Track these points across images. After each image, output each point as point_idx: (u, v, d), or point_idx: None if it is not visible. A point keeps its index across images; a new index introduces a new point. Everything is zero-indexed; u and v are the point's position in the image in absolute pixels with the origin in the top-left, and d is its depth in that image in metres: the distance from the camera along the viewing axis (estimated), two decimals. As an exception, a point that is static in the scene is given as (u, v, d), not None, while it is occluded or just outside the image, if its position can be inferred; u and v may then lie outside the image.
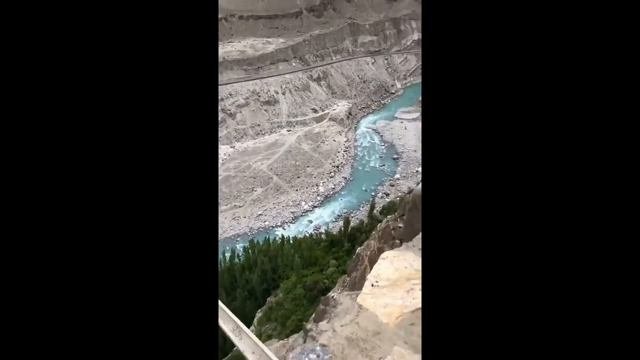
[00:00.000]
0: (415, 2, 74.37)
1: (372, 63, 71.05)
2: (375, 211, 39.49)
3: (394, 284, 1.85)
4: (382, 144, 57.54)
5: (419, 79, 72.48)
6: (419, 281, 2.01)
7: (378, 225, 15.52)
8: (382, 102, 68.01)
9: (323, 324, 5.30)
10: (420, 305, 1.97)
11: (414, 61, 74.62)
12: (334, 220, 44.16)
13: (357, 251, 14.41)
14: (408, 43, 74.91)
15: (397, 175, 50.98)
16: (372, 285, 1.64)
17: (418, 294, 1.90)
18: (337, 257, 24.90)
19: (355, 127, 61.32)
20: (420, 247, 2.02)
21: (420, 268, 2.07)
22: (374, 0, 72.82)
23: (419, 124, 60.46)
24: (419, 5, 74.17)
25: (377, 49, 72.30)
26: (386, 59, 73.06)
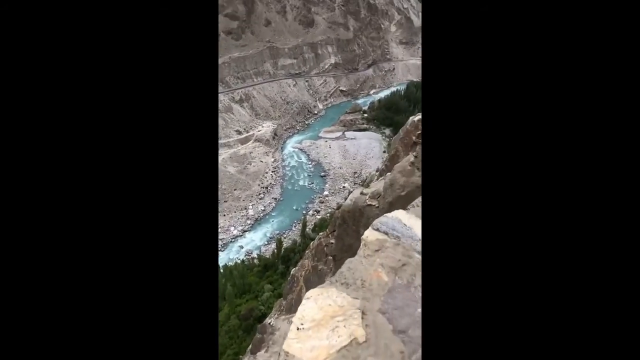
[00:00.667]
0: (329, 29, 79.22)
1: (294, 85, 73.01)
2: (307, 229, 39.71)
3: (318, 324, 1.77)
4: (309, 162, 58.80)
5: (339, 100, 76.65)
6: (343, 317, 1.90)
7: (311, 244, 15.57)
8: (306, 122, 69.91)
9: (261, 354, 4.98)
10: (345, 343, 1.85)
11: (332, 83, 78.74)
12: (266, 243, 43.19)
13: (291, 272, 14.19)
14: (326, 66, 78.96)
15: (326, 192, 52.35)
16: (298, 329, 1.59)
17: (343, 330, 1.80)
18: (272, 281, 24.21)
19: (282, 147, 61.70)
20: (342, 281, 1.98)
21: (344, 304, 1.96)
22: (291, 26, 75.64)
23: (341, 142, 63.47)
24: (334, 32, 79.34)
25: (297, 72, 74.64)
26: (307, 81, 75.80)
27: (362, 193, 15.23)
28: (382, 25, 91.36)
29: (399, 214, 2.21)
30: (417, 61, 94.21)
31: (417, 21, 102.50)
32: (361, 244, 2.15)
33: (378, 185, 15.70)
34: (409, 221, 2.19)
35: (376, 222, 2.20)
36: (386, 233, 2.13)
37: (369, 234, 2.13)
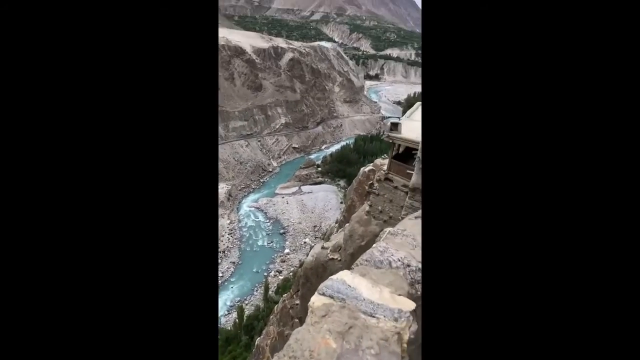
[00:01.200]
0: (277, 92, 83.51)
1: (246, 145, 73.91)
2: (270, 292, 37.56)
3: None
4: (267, 220, 57.61)
5: (292, 157, 78.50)
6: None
7: (275, 307, 14.63)
8: (261, 180, 69.87)
9: None
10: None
11: (284, 141, 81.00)
12: (226, 312, 39.85)
13: (256, 342, 13.04)
14: (277, 126, 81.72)
15: (287, 250, 50.88)
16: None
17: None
18: (235, 356, 21.91)
19: (237, 208, 60.20)
20: (290, 355, 1.85)
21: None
22: (240, 91, 78.79)
23: (298, 197, 63.77)
24: (282, 95, 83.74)
25: (249, 133, 76.15)
26: (259, 140, 77.28)
27: (323, 247, 14.93)
28: (327, 87, 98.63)
29: (343, 275, 2.14)
30: (362, 117, 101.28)
31: (357, 82, 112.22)
32: (308, 311, 2.04)
33: (338, 238, 15.59)
34: (353, 281, 2.14)
35: (321, 287, 2.12)
36: (331, 297, 2.07)
37: (315, 300, 2.08)
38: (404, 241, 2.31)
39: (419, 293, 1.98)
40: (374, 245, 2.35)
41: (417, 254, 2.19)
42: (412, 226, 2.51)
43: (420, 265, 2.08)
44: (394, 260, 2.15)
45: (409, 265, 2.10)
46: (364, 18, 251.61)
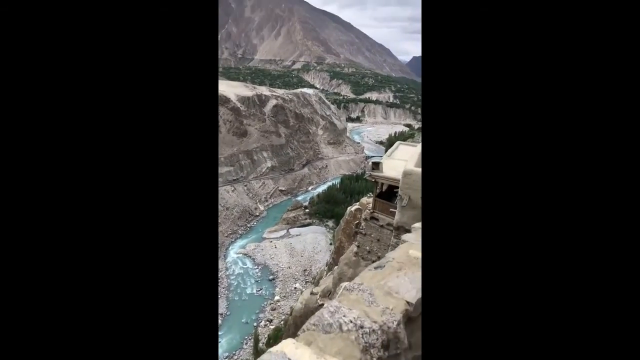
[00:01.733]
0: (263, 137, 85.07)
1: (232, 191, 73.51)
2: (260, 344, 35.34)
3: None
4: (256, 267, 55.80)
5: (279, 199, 78.21)
6: None
7: (264, 362, 13.66)
8: (248, 225, 68.70)
9: None
10: None
11: (271, 185, 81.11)
12: (214, 370, 36.82)
13: (245, 404, 11.94)
14: (263, 170, 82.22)
15: (277, 297, 48.82)
16: None
17: None
18: (223, 421, 19.93)
19: (224, 256, 58.37)
20: None
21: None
22: (225, 138, 79.95)
23: (287, 241, 62.53)
24: (267, 139, 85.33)
25: (235, 178, 76.16)
26: (245, 185, 77.15)
27: (312, 293, 14.47)
28: (311, 130, 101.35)
29: (285, 345, 1.89)
30: (346, 157, 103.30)
31: (340, 124, 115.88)
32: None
33: (328, 281, 15.20)
34: (295, 353, 1.89)
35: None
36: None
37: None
38: (359, 297, 2.08)
39: (375, 359, 1.77)
40: (325, 304, 2.10)
41: (373, 311, 1.97)
42: (370, 278, 2.29)
43: (374, 327, 1.87)
44: (345, 322, 1.89)
45: (362, 327, 1.84)
46: (343, 65, 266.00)
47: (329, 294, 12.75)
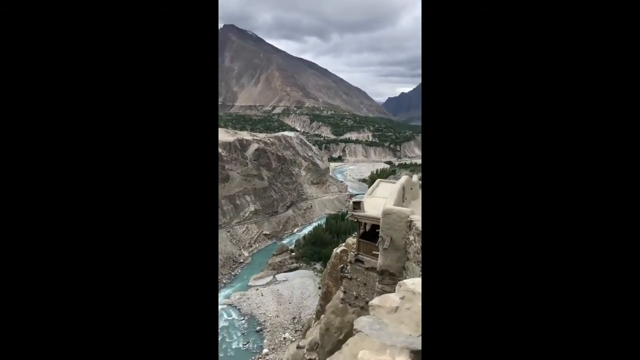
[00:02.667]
0: (245, 181, 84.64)
1: (215, 237, 71.27)
2: (248, 407, 32.23)
3: None
4: (242, 318, 52.70)
5: (264, 244, 76.15)
6: None
7: None
8: (232, 273, 65.93)
9: None
10: None
11: (255, 229, 79.34)
12: None
13: None
14: (246, 214, 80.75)
15: (265, 350, 45.67)
16: None
17: None
18: None
19: (207, 308, 54.89)
20: None
21: None
22: (207, 183, 79.11)
23: (274, 287, 59.97)
24: (250, 183, 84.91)
25: (218, 224, 74.23)
26: (228, 231, 75.14)
27: (298, 347, 13.38)
28: (293, 172, 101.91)
29: None
30: (330, 196, 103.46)
31: (322, 164, 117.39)
32: None
33: (315, 332, 14.13)
34: None
35: None
36: None
37: None
38: None
39: None
40: None
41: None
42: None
43: None
44: None
45: None
46: (322, 108, 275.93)
47: (316, 347, 11.76)
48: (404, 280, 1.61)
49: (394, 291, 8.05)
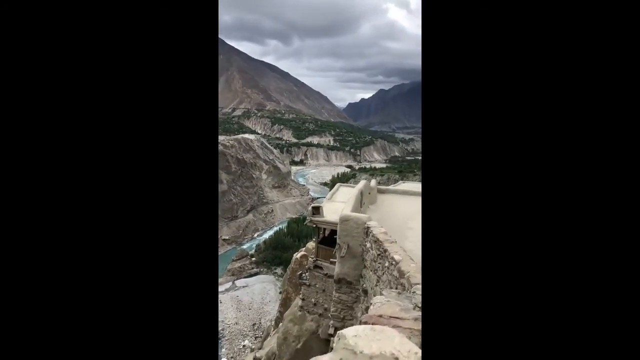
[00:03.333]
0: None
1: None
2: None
3: None
4: (198, 328, 50.29)
5: (223, 249, 73.74)
6: None
7: None
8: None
9: None
10: None
11: (214, 234, 76.58)
12: None
13: None
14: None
15: (224, 359, 44.04)
16: None
17: None
18: None
19: (161, 319, 52.00)
20: None
21: None
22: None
23: (233, 294, 58.22)
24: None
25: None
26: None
27: (255, 359, 12.87)
28: (254, 175, 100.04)
29: None
30: (292, 200, 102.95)
31: (284, 168, 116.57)
32: None
33: (273, 342, 13.72)
34: None
35: None
36: None
37: None
38: None
39: None
40: None
41: None
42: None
43: None
44: None
45: None
46: (284, 112, 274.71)
47: (273, 358, 11.43)
48: (344, 331, 1.18)
49: (350, 300, 7.97)
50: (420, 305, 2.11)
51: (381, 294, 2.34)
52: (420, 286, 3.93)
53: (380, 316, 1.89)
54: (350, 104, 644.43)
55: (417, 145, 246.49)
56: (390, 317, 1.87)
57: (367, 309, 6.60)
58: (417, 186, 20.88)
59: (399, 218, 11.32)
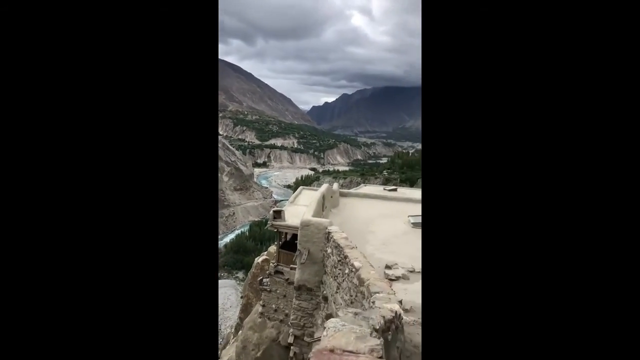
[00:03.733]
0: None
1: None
2: None
3: None
4: (152, 338, 47.55)
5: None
6: None
7: None
8: (143, 289, 59.58)
9: None
10: None
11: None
12: None
13: None
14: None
15: (180, 371, 41.93)
16: None
17: None
18: None
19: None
20: None
21: None
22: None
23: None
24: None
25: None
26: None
27: (211, 370, 12.16)
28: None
29: None
30: (254, 203, 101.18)
31: (246, 170, 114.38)
32: None
33: (231, 351, 13.23)
34: None
35: None
36: None
37: None
38: None
39: None
40: None
41: None
42: None
43: None
44: None
45: None
46: (246, 113, 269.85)
47: (232, 368, 11.01)
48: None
49: (311, 307, 7.84)
50: (377, 327, 2.01)
51: (337, 315, 2.22)
52: (380, 295, 3.89)
53: (332, 351, 1.76)
54: (314, 107, 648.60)
55: (379, 149, 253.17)
56: (344, 351, 1.75)
57: (327, 317, 6.50)
58: (378, 189, 21.31)
59: (361, 221, 11.40)
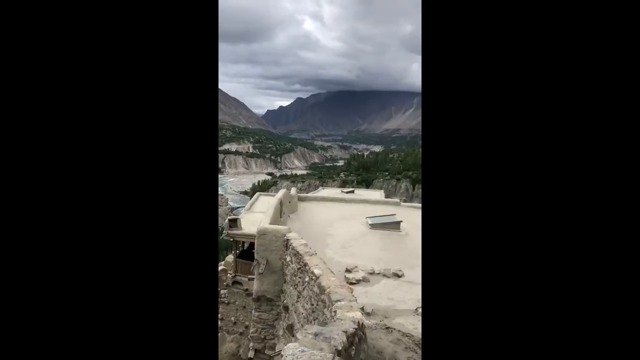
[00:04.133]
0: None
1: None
2: None
3: None
4: None
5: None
6: None
7: None
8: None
9: None
10: None
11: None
12: None
13: None
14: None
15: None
16: None
17: None
18: None
19: None
20: None
21: None
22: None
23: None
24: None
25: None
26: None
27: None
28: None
29: None
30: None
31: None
32: None
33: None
34: None
35: None
36: None
37: None
38: None
39: None
40: None
41: None
42: None
43: None
44: None
45: None
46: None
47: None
48: None
49: (271, 318, 7.56)
50: (340, 347, 1.87)
51: (296, 338, 2.05)
52: (341, 303, 3.78)
53: None
54: (269, 111, 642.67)
55: (335, 152, 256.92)
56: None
57: (288, 327, 6.27)
58: (335, 192, 21.45)
59: (320, 225, 11.32)
